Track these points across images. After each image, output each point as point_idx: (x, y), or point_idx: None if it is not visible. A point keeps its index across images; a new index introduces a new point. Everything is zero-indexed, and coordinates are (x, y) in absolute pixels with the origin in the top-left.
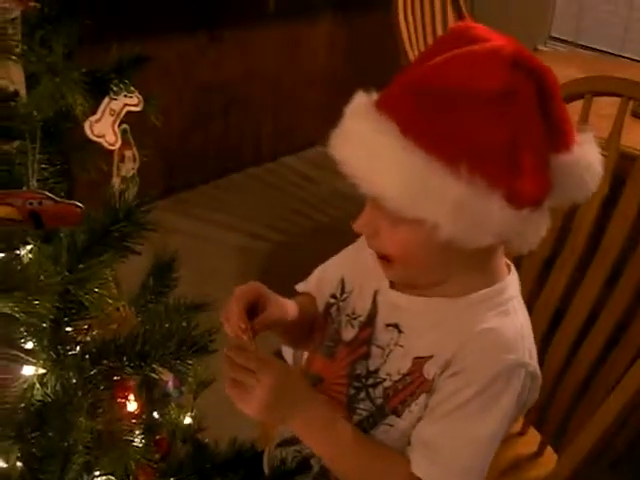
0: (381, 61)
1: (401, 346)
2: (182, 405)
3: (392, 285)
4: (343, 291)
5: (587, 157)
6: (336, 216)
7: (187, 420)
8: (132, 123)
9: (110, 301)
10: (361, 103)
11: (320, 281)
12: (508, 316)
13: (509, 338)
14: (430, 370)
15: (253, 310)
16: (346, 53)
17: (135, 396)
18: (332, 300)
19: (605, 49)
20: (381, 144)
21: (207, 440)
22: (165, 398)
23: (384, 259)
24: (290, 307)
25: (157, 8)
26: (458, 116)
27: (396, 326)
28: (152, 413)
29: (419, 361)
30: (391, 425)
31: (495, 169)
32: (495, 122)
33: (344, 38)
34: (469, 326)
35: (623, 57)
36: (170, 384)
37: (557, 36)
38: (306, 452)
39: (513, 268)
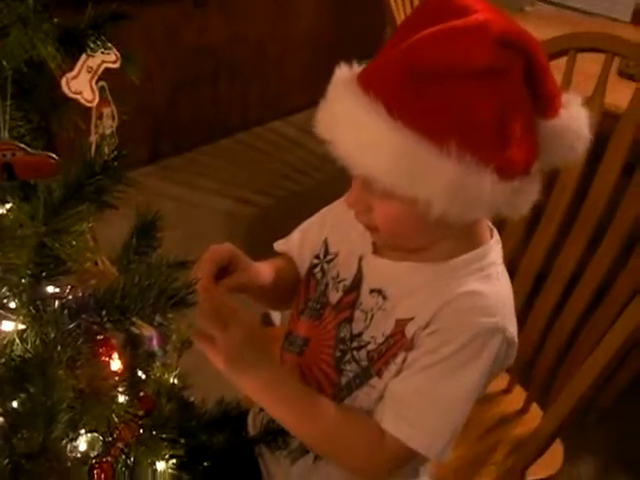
0: (367, 22)
1: (384, 309)
2: (167, 364)
3: (375, 250)
4: (327, 252)
5: (574, 121)
6: (323, 180)
7: (172, 379)
8: (115, 86)
9: (87, 254)
10: (344, 79)
11: (302, 242)
12: (489, 281)
13: (489, 302)
14: (411, 330)
15: (224, 271)
16: (332, 15)
17: (119, 355)
18: (315, 261)
19: (593, 10)
20: (369, 125)
21: (193, 399)
22: (150, 357)
23: (371, 229)
24: (263, 271)
25: None
26: (445, 94)
27: (380, 292)
28: (136, 371)
29: (401, 322)
30: (372, 386)
31: (485, 144)
32: (483, 98)
33: (331, 1)
34: (450, 288)
35: (611, 19)
36: (154, 343)
37: None
38: None
39: (496, 233)
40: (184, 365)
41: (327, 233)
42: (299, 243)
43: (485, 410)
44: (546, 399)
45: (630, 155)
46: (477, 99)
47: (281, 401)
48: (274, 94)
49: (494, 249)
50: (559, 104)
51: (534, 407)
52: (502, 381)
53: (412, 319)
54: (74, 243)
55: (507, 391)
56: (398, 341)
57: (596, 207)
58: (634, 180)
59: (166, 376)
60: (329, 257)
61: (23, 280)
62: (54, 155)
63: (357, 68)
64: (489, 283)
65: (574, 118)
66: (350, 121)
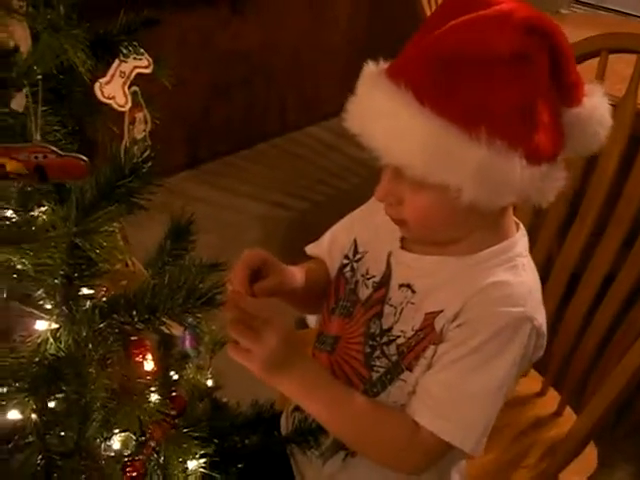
0: (404, 28)
1: (413, 303)
2: (200, 365)
3: (403, 246)
4: (356, 251)
5: (597, 109)
6: (357, 183)
7: (204, 379)
8: (151, 92)
9: (118, 255)
10: (372, 74)
11: (332, 244)
12: (516, 271)
13: (516, 292)
14: (440, 323)
15: (257, 276)
16: (368, 20)
17: (152, 355)
18: (345, 261)
19: (630, 12)
20: (399, 113)
21: (226, 400)
22: (183, 358)
23: (400, 223)
24: (296, 274)
25: None
26: (473, 80)
27: (409, 286)
28: (169, 372)
29: (430, 316)
30: (404, 380)
31: (513, 130)
32: (510, 85)
33: (367, 5)
34: (478, 280)
35: None
36: (187, 344)
37: None
38: None
39: (522, 226)
40: (217, 366)
41: (356, 234)
42: (329, 245)
43: (519, 413)
44: (580, 402)
45: None
46: (504, 85)
47: (316, 399)
48: (310, 99)
49: (520, 241)
50: (582, 93)
51: (568, 410)
52: (536, 384)
53: (441, 312)
54: (104, 243)
55: (541, 394)
56: (428, 334)
57: (630, 206)
58: None
59: (199, 377)
60: (358, 256)
61: (56, 281)
62: (84, 157)
63: (384, 64)
64: (516, 274)
65: (597, 107)
66: (381, 111)
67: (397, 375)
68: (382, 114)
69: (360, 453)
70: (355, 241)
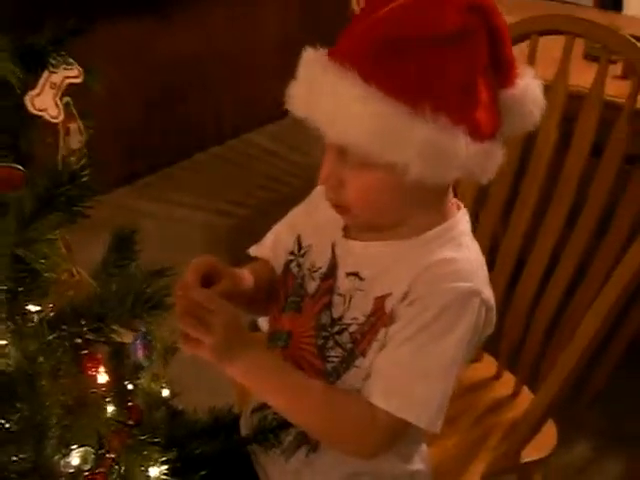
0: (335, 28)
1: (361, 290)
2: (155, 373)
3: (346, 235)
4: (300, 247)
5: (530, 89)
6: (298, 186)
7: (160, 387)
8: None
9: (62, 264)
10: (314, 57)
11: (275, 243)
12: (461, 249)
13: (463, 268)
14: (389, 305)
15: (207, 282)
16: (299, 22)
17: (105, 367)
18: (291, 257)
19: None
20: (345, 93)
21: (181, 407)
22: (136, 367)
23: (341, 208)
24: (245, 277)
25: None
26: (417, 59)
27: (356, 274)
28: (123, 382)
29: (380, 300)
30: (358, 367)
31: (456, 106)
32: (453, 62)
33: (296, 6)
34: (424, 259)
35: (573, 3)
36: (140, 353)
37: None
38: None
39: (462, 206)
40: (172, 373)
41: (299, 230)
42: (272, 244)
43: (476, 397)
44: (536, 382)
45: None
46: (449, 62)
47: (271, 382)
48: (246, 105)
49: (462, 220)
50: (516, 74)
51: (525, 390)
52: (491, 368)
53: (390, 294)
54: (47, 252)
55: (496, 377)
56: (379, 318)
57: (569, 188)
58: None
59: (154, 385)
60: (302, 251)
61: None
62: (19, 166)
63: (323, 49)
64: (460, 251)
65: (530, 87)
66: (325, 91)
67: (352, 362)
68: (327, 94)
69: (320, 439)
70: (299, 237)
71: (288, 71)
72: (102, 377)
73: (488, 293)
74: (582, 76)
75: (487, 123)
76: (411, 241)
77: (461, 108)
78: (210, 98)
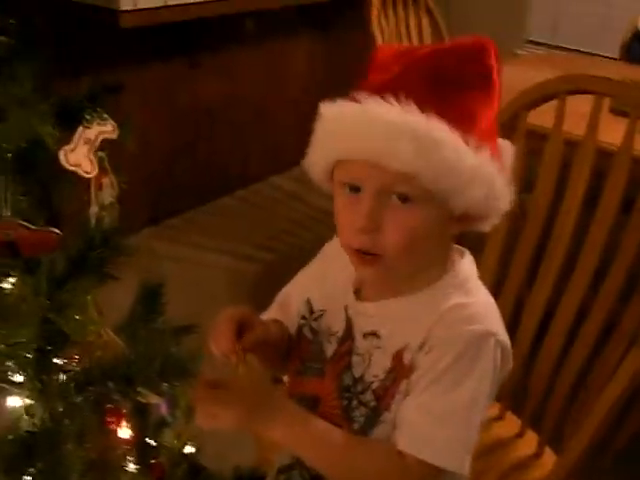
0: (361, 72)
1: (379, 347)
2: (178, 431)
3: (357, 297)
4: (312, 311)
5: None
6: (322, 231)
7: (183, 445)
8: (113, 152)
9: (91, 327)
10: (345, 102)
11: (282, 307)
12: (470, 293)
13: (476, 311)
14: (408, 357)
15: (239, 332)
16: (326, 71)
17: (128, 423)
18: (302, 321)
19: (582, 49)
20: (403, 123)
21: (204, 464)
22: (160, 424)
23: (371, 257)
24: (272, 327)
25: (133, 38)
26: (462, 94)
27: (374, 334)
28: (145, 439)
29: (398, 353)
30: (385, 422)
31: (492, 141)
32: (489, 100)
33: (323, 56)
34: (436, 308)
35: (600, 56)
36: (163, 410)
37: (534, 39)
38: (311, 474)
39: (467, 252)
40: (195, 430)
41: (308, 293)
42: (279, 308)
43: (499, 456)
44: (559, 442)
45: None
46: (486, 100)
47: (302, 439)
48: (271, 149)
49: (467, 266)
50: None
51: (547, 451)
52: (513, 425)
53: (407, 346)
54: (77, 317)
55: (519, 435)
56: (399, 371)
57: (597, 245)
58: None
59: (177, 442)
60: (315, 315)
61: (29, 355)
62: (57, 230)
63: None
64: (470, 296)
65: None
66: (377, 123)
67: (377, 419)
68: (385, 126)
69: None
70: (309, 300)
71: (312, 119)
72: (124, 432)
73: (502, 332)
74: (610, 133)
75: (501, 153)
76: (422, 293)
77: (494, 142)
78: (236, 142)
